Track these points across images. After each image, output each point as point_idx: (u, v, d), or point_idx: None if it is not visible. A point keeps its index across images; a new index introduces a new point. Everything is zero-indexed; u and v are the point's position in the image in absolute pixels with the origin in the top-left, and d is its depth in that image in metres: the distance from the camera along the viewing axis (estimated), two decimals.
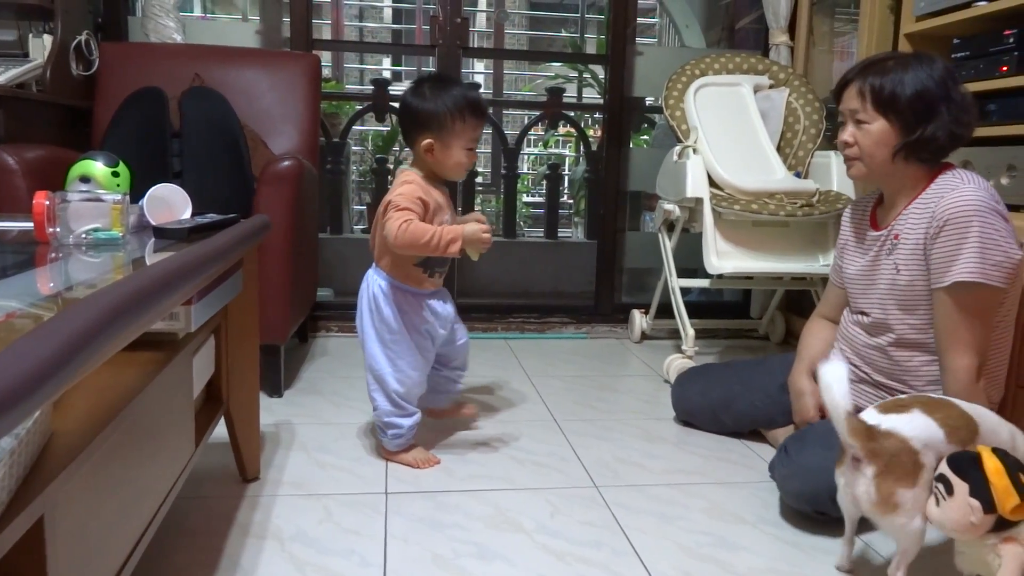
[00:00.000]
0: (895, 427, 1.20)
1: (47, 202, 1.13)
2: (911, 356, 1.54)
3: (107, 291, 0.69)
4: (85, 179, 1.36)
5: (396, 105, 3.31)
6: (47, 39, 2.30)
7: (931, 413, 1.23)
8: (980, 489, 1.09)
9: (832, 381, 1.19)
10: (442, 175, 1.69)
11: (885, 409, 1.25)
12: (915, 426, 1.20)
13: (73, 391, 0.92)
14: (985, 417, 1.27)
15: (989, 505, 1.09)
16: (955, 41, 1.96)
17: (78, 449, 0.78)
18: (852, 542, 1.33)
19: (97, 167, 1.38)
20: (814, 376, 1.73)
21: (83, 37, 2.40)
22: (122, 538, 0.93)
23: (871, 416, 1.23)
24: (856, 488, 1.21)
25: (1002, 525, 1.10)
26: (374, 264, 1.71)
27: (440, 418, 1.92)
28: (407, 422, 1.70)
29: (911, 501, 1.17)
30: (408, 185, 1.63)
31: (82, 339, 0.59)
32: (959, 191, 1.43)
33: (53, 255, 1.09)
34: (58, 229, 1.14)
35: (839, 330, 1.72)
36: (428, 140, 1.62)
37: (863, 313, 1.62)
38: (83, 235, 1.15)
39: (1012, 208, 1.68)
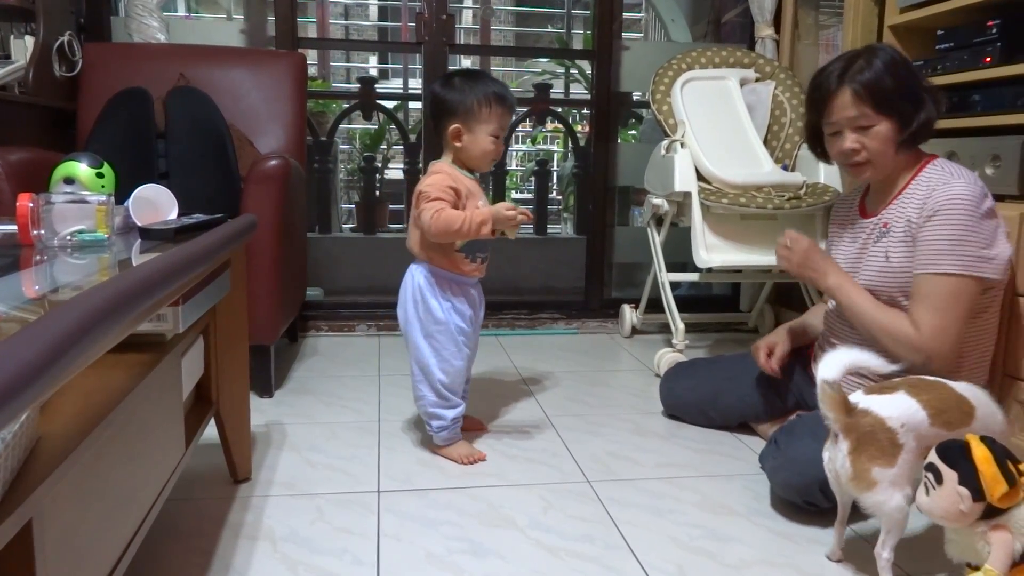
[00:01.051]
0: (872, 406, 1.22)
1: (31, 204, 1.12)
2: None
3: (92, 292, 0.69)
4: (69, 181, 1.35)
5: (383, 103, 3.31)
6: (29, 40, 2.28)
7: (916, 394, 1.24)
8: (969, 477, 1.10)
9: (829, 356, 1.23)
10: (470, 164, 1.74)
11: (872, 391, 1.27)
12: (895, 406, 1.22)
13: (61, 394, 0.92)
14: (982, 401, 1.29)
15: (978, 493, 1.09)
16: (939, 32, 1.97)
17: (66, 452, 0.77)
18: (844, 526, 1.34)
19: (81, 168, 1.37)
20: (792, 333, 1.77)
21: (65, 38, 2.38)
22: (112, 541, 0.92)
23: (857, 397, 1.25)
24: (835, 463, 1.23)
25: (991, 513, 1.11)
26: (416, 258, 1.75)
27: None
28: (451, 413, 1.73)
29: (888, 480, 1.19)
30: (436, 175, 1.68)
31: (67, 341, 0.59)
32: (952, 185, 1.45)
33: (38, 258, 1.08)
34: (42, 231, 1.13)
35: (825, 324, 1.73)
36: (455, 125, 1.69)
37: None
38: (68, 237, 1.15)
39: (997, 198, 1.69)
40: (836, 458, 1.23)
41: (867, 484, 1.20)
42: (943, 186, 1.46)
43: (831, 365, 1.22)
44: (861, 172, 1.55)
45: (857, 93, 1.48)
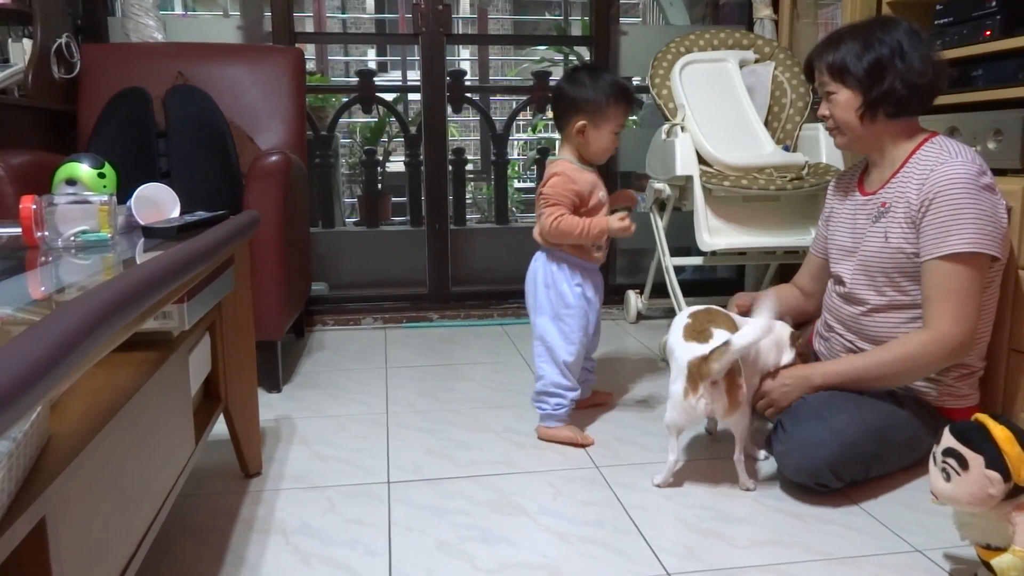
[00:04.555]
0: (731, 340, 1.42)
1: (34, 206, 1.12)
2: (887, 317, 1.57)
3: (96, 291, 0.69)
4: (71, 182, 1.36)
5: (382, 96, 3.31)
6: (27, 43, 2.29)
7: (719, 323, 1.49)
8: (995, 460, 1.08)
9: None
10: (588, 158, 1.81)
11: (693, 338, 1.46)
12: (726, 338, 1.43)
13: (70, 393, 0.92)
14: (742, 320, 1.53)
15: (1007, 475, 1.08)
16: (938, 7, 1.96)
17: (77, 450, 0.78)
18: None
19: (83, 169, 1.38)
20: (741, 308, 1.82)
21: (63, 40, 2.38)
22: (125, 537, 0.93)
23: (694, 348, 1.44)
24: (715, 403, 1.43)
25: (1014, 493, 1.10)
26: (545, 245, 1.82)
27: (584, 408, 1.97)
28: (571, 394, 1.79)
29: (744, 396, 1.46)
30: (557, 177, 1.75)
31: (74, 338, 0.59)
32: (949, 164, 1.45)
33: (43, 259, 1.08)
34: (46, 233, 1.14)
35: (824, 303, 1.74)
36: (582, 122, 1.75)
37: (840, 282, 1.65)
38: (71, 238, 1.15)
39: (999, 172, 1.69)
40: (715, 399, 1.43)
41: (737, 406, 1.45)
42: (940, 166, 1.46)
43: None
44: (836, 138, 1.63)
45: (819, 65, 1.59)
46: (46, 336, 0.57)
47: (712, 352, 1.40)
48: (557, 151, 1.86)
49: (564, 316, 1.79)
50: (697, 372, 1.42)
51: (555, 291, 1.79)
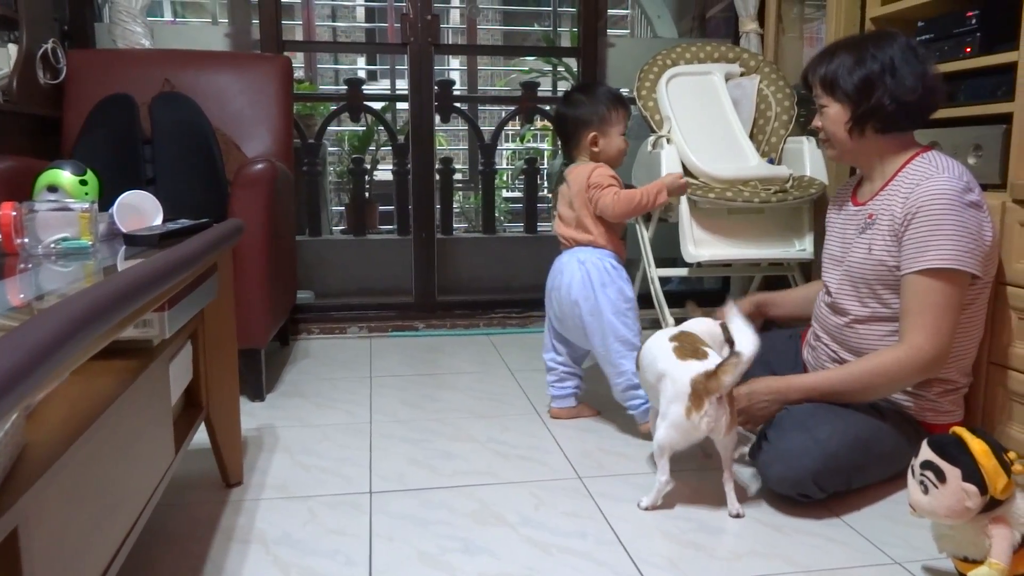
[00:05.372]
0: (716, 361, 1.43)
1: (14, 213, 1.12)
2: (870, 329, 1.58)
3: (74, 298, 0.69)
4: (53, 188, 1.35)
5: (370, 105, 3.31)
6: (12, 48, 2.27)
7: (702, 343, 1.50)
8: (972, 473, 1.09)
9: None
10: (609, 164, 1.90)
11: (690, 356, 1.46)
12: (715, 356, 1.45)
13: (47, 402, 0.92)
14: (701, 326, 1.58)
15: (983, 488, 1.09)
16: (919, 24, 1.98)
17: (52, 459, 0.77)
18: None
19: (65, 176, 1.37)
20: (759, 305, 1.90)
21: (49, 45, 2.37)
22: (101, 547, 0.93)
23: (695, 365, 1.43)
24: (719, 420, 1.41)
25: (990, 505, 1.10)
26: (590, 247, 1.90)
27: (563, 418, 2.00)
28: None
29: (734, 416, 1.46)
30: (598, 168, 1.87)
31: (50, 346, 0.59)
32: (934, 180, 1.46)
33: (22, 266, 1.08)
34: (26, 240, 1.13)
35: (814, 312, 1.75)
36: (592, 134, 1.88)
37: (828, 291, 1.66)
38: (52, 245, 1.15)
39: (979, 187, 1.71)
40: (720, 415, 1.41)
41: (735, 423, 1.45)
42: (925, 181, 1.47)
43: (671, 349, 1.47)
44: (828, 150, 1.66)
45: (812, 79, 1.62)
46: (22, 343, 0.56)
47: (723, 366, 1.39)
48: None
49: (625, 311, 1.85)
50: (704, 388, 1.39)
51: (614, 288, 1.85)
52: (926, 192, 1.45)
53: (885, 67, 1.51)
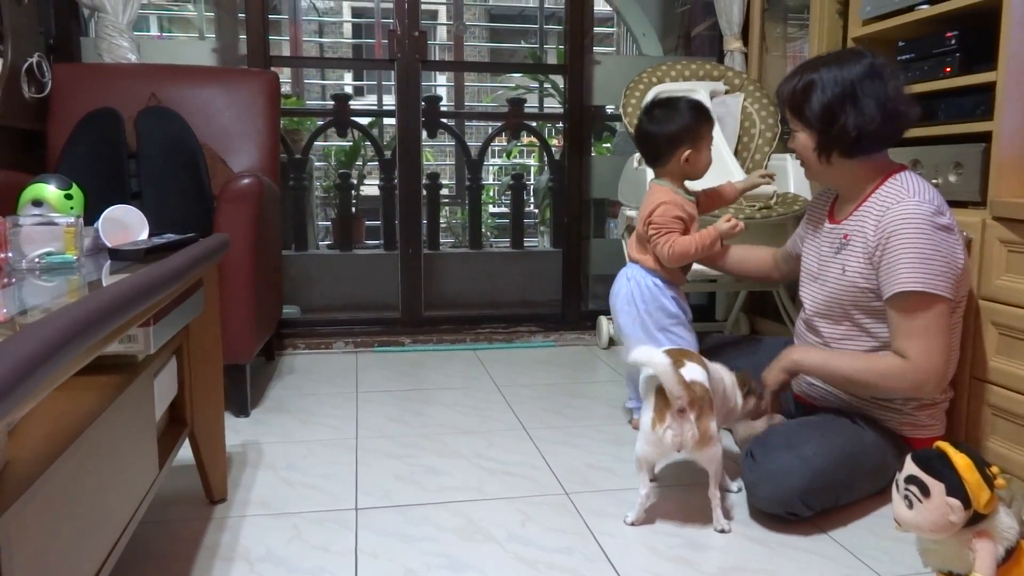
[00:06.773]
0: (694, 376, 1.44)
1: None
2: (842, 348, 1.60)
3: (58, 314, 0.68)
4: (37, 203, 1.34)
5: (357, 120, 3.32)
6: None
7: (692, 359, 1.50)
8: (956, 487, 1.09)
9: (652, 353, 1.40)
10: (694, 177, 1.92)
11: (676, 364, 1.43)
12: (698, 372, 1.46)
13: (29, 418, 0.91)
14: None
15: (967, 502, 1.09)
16: (900, 44, 2.01)
17: (34, 477, 0.77)
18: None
19: (49, 190, 1.36)
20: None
21: (34, 59, 2.36)
22: (83, 565, 0.91)
23: (684, 373, 1.42)
24: (684, 434, 1.40)
25: (974, 520, 1.11)
26: (637, 265, 1.94)
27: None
28: None
29: (715, 431, 1.43)
30: (665, 205, 1.86)
31: (33, 362, 0.59)
32: (903, 204, 1.47)
33: (5, 281, 1.07)
34: (10, 254, 1.13)
35: (796, 337, 1.77)
36: (687, 151, 1.86)
37: (804, 308, 1.68)
38: (36, 259, 1.14)
39: (959, 205, 1.73)
40: (684, 429, 1.39)
41: (708, 441, 1.42)
42: (896, 205, 1.48)
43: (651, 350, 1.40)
44: (804, 170, 1.67)
45: (782, 107, 1.64)
46: (4, 359, 0.56)
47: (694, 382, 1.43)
48: (656, 177, 1.95)
49: (669, 326, 1.89)
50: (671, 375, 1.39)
51: (655, 304, 1.89)
52: (896, 216, 1.46)
53: (846, 93, 1.49)
